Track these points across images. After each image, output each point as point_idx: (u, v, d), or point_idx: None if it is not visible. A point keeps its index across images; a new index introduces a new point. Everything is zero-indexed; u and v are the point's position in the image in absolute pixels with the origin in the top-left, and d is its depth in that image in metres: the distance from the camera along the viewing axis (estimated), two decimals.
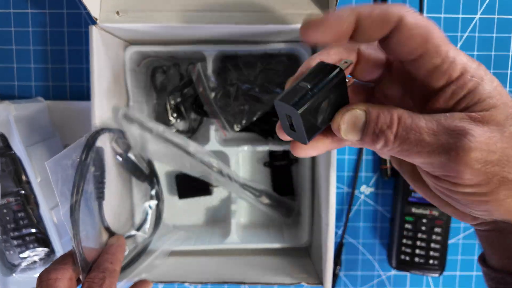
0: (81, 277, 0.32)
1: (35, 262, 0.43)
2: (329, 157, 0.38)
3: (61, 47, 0.48)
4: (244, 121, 0.45)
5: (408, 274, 0.51)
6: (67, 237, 0.44)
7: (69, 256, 0.32)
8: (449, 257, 0.50)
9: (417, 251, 0.47)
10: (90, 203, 0.35)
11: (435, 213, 0.47)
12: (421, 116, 0.20)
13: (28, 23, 0.47)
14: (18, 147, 0.41)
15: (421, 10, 0.47)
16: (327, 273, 0.39)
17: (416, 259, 0.47)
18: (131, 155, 0.42)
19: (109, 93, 0.40)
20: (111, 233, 0.39)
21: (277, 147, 0.46)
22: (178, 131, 0.48)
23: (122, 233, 0.41)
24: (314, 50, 0.43)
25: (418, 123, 0.20)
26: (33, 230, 0.43)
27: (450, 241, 0.50)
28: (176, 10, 0.37)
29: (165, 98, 0.47)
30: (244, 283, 0.41)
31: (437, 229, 0.47)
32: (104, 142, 0.38)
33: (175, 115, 0.47)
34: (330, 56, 0.23)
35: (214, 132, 0.45)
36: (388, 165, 0.49)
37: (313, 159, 0.46)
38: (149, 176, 0.44)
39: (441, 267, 0.47)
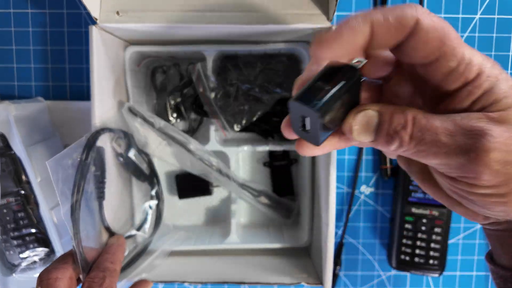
0: (81, 276, 0.32)
1: (35, 262, 0.43)
2: (329, 157, 0.38)
3: (61, 47, 0.48)
4: (244, 121, 0.45)
5: (408, 274, 0.51)
6: (67, 237, 0.44)
7: (69, 256, 0.32)
8: (449, 257, 0.50)
9: (417, 251, 0.47)
10: (91, 202, 0.35)
11: (435, 213, 0.47)
12: (436, 116, 0.20)
13: (28, 23, 0.47)
14: (18, 147, 0.41)
15: None
16: (327, 273, 0.39)
17: (416, 259, 0.47)
18: (131, 155, 0.42)
19: (109, 93, 0.40)
20: (111, 233, 0.39)
21: (277, 147, 0.46)
22: None
23: (122, 233, 0.41)
24: None
25: (434, 123, 0.19)
26: (33, 230, 0.43)
27: (450, 241, 0.50)
28: (176, 10, 0.37)
29: (165, 98, 0.47)
30: (244, 283, 0.41)
31: (437, 229, 0.47)
32: (104, 142, 0.39)
33: (175, 115, 0.47)
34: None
35: (214, 132, 0.45)
36: (388, 165, 0.49)
37: (313, 159, 0.46)
38: (149, 176, 0.44)
39: (441, 267, 0.47)
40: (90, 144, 0.34)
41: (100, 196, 0.38)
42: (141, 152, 0.43)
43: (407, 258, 0.47)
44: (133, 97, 0.44)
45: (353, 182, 0.50)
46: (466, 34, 0.48)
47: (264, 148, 0.46)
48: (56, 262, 0.32)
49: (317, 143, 0.22)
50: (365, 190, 0.50)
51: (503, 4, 0.47)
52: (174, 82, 0.47)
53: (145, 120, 0.42)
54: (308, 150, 0.24)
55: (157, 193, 0.45)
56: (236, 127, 0.45)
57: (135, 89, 0.45)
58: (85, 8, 0.38)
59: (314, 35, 0.21)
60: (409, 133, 0.20)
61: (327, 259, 0.39)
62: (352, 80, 0.21)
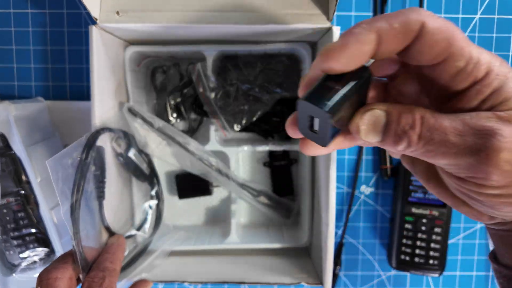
0: (81, 276, 0.32)
1: (35, 262, 0.43)
2: (329, 157, 0.38)
3: (61, 47, 0.48)
4: (244, 121, 0.45)
5: (408, 274, 0.51)
6: (67, 237, 0.44)
7: (69, 256, 0.32)
8: (449, 257, 0.50)
9: (417, 251, 0.47)
10: (91, 202, 0.35)
11: (435, 213, 0.47)
12: (444, 116, 0.19)
13: (28, 23, 0.47)
14: (18, 147, 0.41)
15: None
16: (327, 273, 0.39)
17: (416, 259, 0.47)
18: (131, 155, 0.42)
19: (109, 93, 0.40)
20: (111, 233, 0.39)
21: (277, 147, 0.46)
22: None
23: (122, 232, 0.41)
24: (314, 50, 0.43)
25: (442, 123, 0.19)
26: (33, 230, 0.43)
27: (450, 241, 0.50)
28: (176, 10, 0.37)
29: (165, 98, 0.47)
30: (244, 283, 0.41)
31: (437, 229, 0.47)
32: (104, 142, 0.39)
33: (175, 115, 0.47)
34: None
35: (214, 132, 0.45)
36: (388, 165, 0.49)
37: (313, 159, 0.46)
38: (149, 176, 0.44)
39: (441, 267, 0.47)
40: (90, 143, 0.34)
41: (100, 196, 0.38)
42: (141, 152, 0.43)
43: (407, 258, 0.47)
44: (133, 97, 0.44)
45: (353, 182, 0.50)
46: (466, 34, 0.48)
47: (264, 148, 0.46)
48: (56, 262, 0.32)
49: (325, 144, 0.21)
50: (365, 190, 0.50)
51: (503, 4, 0.47)
52: (174, 82, 0.47)
53: (144, 120, 0.42)
54: (313, 150, 0.24)
55: (157, 193, 0.45)
56: (236, 127, 0.45)
57: (135, 89, 0.45)
58: (85, 8, 0.38)
59: (320, 48, 0.20)
60: (418, 133, 0.19)
61: (327, 259, 0.39)
62: (362, 79, 0.20)
